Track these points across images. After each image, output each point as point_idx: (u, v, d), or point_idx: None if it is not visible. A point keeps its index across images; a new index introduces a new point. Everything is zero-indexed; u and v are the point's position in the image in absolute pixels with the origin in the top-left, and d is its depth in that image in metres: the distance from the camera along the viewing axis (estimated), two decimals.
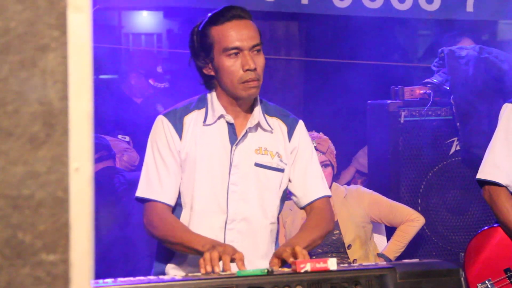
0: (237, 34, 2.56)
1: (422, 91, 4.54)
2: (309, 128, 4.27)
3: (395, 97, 4.54)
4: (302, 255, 2.32)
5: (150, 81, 5.52)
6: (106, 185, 4.04)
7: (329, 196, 2.78)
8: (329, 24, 5.72)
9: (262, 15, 5.57)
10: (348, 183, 5.19)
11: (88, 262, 1.20)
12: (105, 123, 4.84)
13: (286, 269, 2.09)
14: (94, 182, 1.25)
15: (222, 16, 2.58)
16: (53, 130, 1.21)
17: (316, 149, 3.88)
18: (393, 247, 3.88)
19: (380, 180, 4.53)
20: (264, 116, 2.69)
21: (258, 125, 2.67)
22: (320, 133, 4.00)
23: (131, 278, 2.10)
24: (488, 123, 4.23)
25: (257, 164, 2.64)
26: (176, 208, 2.67)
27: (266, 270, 1.99)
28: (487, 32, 6.32)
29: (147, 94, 5.47)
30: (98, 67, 5.48)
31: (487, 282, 3.25)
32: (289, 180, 2.73)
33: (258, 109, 2.67)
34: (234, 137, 2.64)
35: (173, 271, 2.65)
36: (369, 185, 4.52)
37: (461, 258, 3.43)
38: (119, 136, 4.94)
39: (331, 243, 3.80)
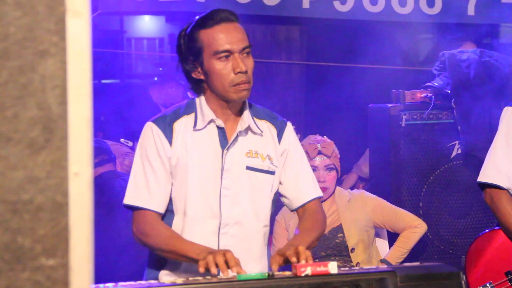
0: (227, 37, 2.54)
1: (423, 95, 4.54)
2: (311, 131, 4.29)
3: (396, 101, 4.54)
4: (305, 254, 2.31)
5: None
6: (107, 189, 4.04)
7: (320, 197, 2.78)
8: (330, 28, 5.72)
9: (264, 19, 5.58)
10: (350, 189, 5.18)
11: (88, 266, 1.20)
12: (119, 127, 4.80)
13: (287, 273, 2.09)
14: (94, 186, 1.26)
15: (211, 19, 2.56)
16: (52, 135, 1.21)
17: (321, 153, 3.88)
18: (395, 253, 3.88)
19: (382, 184, 4.53)
20: (253, 119, 2.68)
21: (248, 128, 2.66)
22: (325, 136, 4.00)
23: (132, 283, 2.10)
24: (489, 126, 4.22)
25: (248, 168, 2.64)
26: (168, 214, 2.65)
27: (266, 274, 1.99)
28: (489, 36, 6.31)
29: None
30: (100, 71, 5.48)
31: (488, 285, 3.25)
32: (280, 183, 2.72)
33: (247, 112, 2.66)
34: (224, 141, 2.63)
35: (166, 278, 2.63)
36: (370, 188, 4.51)
37: (462, 262, 3.43)
38: (122, 140, 4.93)
39: (334, 246, 3.80)
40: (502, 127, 3.25)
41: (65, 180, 1.21)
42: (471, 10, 5.58)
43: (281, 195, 2.76)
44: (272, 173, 2.68)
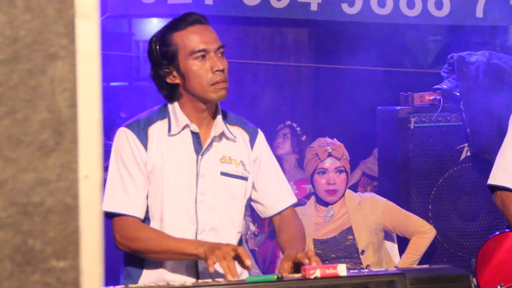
0: (201, 37, 2.55)
1: (431, 97, 4.54)
2: (319, 134, 4.29)
3: (405, 103, 4.53)
4: (316, 258, 2.31)
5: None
6: None
7: (295, 204, 2.79)
8: (339, 31, 5.73)
9: (272, 21, 5.59)
10: (354, 186, 5.17)
11: (98, 268, 1.21)
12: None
13: (296, 275, 2.09)
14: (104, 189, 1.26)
15: (183, 21, 2.56)
16: (62, 137, 1.22)
17: (331, 155, 3.87)
18: (407, 260, 3.86)
19: (390, 186, 4.52)
20: (226, 125, 2.67)
21: (222, 134, 2.64)
22: (335, 139, 3.99)
23: (141, 285, 2.11)
24: (498, 128, 4.21)
25: (223, 173, 2.62)
26: (144, 221, 2.60)
27: (276, 277, 1.99)
28: (497, 38, 6.31)
29: None
30: (108, 74, 5.49)
31: (499, 287, 3.24)
32: (255, 190, 2.71)
33: (220, 118, 2.65)
34: (199, 147, 2.61)
35: (151, 277, 2.58)
36: (379, 191, 4.51)
37: (472, 264, 3.41)
38: None
39: (344, 248, 3.80)
40: (511, 129, 3.24)
41: (75, 183, 1.22)
42: (479, 12, 5.58)
43: (255, 202, 2.74)
44: (246, 179, 2.67)
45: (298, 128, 5.15)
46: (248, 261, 2.24)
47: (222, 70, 2.55)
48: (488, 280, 3.26)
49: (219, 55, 2.57)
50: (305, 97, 5.92)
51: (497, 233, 3.36)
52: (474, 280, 3.27)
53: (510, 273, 3.22)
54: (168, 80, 2.60)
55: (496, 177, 3.22)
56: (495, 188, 3.24)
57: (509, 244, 3.25)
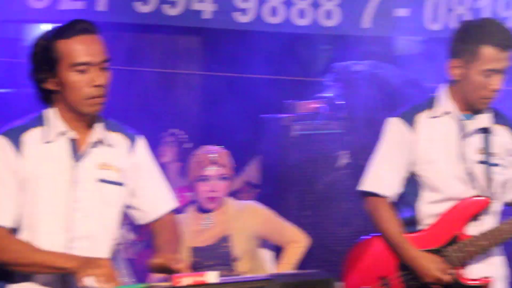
0: (86, 48, 2.51)
1: (315, 105, 4.63)
2: (205, 141, 4.33)
3: (289, 111, 4.61)
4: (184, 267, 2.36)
5: None
6: None
7: (176, 208, 2.81)
8: (231, 39, 5.79)
9: (164, 29, 5.60)
10: (234, 193, 5.23)
11: None
12: None
13: (163, 284, 2.14)
14: None
15: (70, 29, 2.51)
16: None
17: (216, 163, 3.90)
18: (282, 269, 3.89)
19: (270, 193, 4.59)
20: (106, 132, 2.65)
21: (100, 140, 2.63)
22: (221, 146, 4.04)
23: None
24: (376, 137, 4.37)
25: (100, 180, 2.61)
26: (15, 231, 2.56)
27: (144, 285, 2.04)
28: (384, 48, 6.51)
29: None
30: None
31: None
32: (134, 196, 2.71)
33: (99, 125, 2.63)
34: (76, 154, 2.59)
35: None
36: (260, 198, 4.54)
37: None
38: None
39: (220, 256, 3.83)
40: (384, 137, 3.38)
41: None
42: (366, 23, 5.74)
43: (134, 208, 2.74)
44: (123, 185, 2.66)
45: (183, 136, 5.17)
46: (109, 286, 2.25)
47: (102, 86, 2.53)
48: (354, 283, 3.38)
49: (102, 68, 2.54)
50: (192, 104, 5.95)
51: (366, 237, 3.49)
52: (340, 284, 3.39)
53: (374, 276, 3.35)
54: (46, 86, 2.56)
55: (366, 183, 3.36)
56: (366, 194, 3.39)
57: (375, 248, 3.37)
